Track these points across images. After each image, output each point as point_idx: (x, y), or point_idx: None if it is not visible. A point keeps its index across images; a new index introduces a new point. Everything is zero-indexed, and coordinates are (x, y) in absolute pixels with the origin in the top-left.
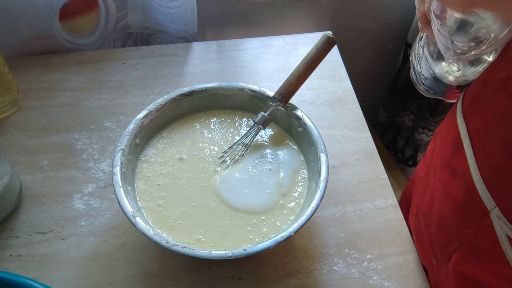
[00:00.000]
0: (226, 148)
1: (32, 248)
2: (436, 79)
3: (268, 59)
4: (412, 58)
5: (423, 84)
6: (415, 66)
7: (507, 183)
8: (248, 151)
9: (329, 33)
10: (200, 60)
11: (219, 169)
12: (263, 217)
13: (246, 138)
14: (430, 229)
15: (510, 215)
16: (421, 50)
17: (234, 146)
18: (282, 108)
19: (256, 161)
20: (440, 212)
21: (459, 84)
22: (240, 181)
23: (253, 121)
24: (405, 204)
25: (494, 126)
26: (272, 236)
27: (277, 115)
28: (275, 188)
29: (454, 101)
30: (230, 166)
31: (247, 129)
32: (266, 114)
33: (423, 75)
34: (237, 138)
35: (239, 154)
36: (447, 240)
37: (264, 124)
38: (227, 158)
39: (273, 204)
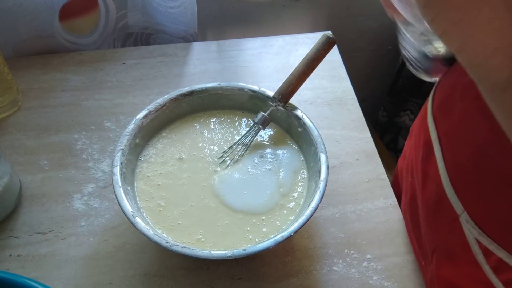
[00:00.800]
0: (226, 148)
1: (32, 248)
2: (421, 53)
3: (268, 59)
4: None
5: (411, 60)
6: (402, 40)
7: (473, 188)
8: (248, 151)
9: (329, 33)
10: (200, 60)
11: (218, 169)
12: (263, 217)
13: (245, 138)
14: (415, 229)
15: (478, 219)
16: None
17: (234, 146)
18: (282, 108)
19: (256, 161)
20: (420, 214)
21: (443, 56)
22: (239, 182)
23: (253, 121)
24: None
25: (461, 130)
26: (272, 236)
27: (277, 115)
28: (275, 189)
29: (437, 78)
30: (229, 166)
31: (247, 129)
32: (266, 114)
33: (408, 50)
34: (237, 138)
35: (239, 154)
36: (426, 242)
37: (264, 124)
38: (226, 158)
39: (273, 205)
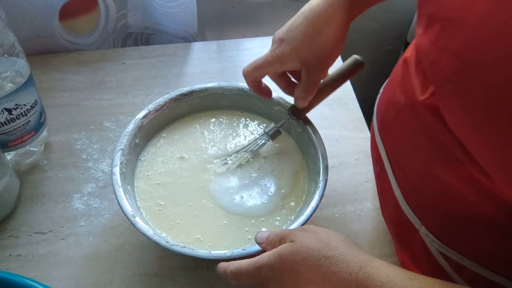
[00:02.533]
0: (230, 151)
1: (32, 248)
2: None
3: None
4: None
5: None
6: None
7: (426, 204)
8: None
9: (357, 56)
10: (199, 60)
11: (218, 170)
12: (262, 218)
13: (253, 146)
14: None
15: (437, 233)
16: None
17: (240, 153)
18: (295, 122)
19: (255, 163)
20: (387, 222)
21: None
22: (237, 185)
23: (264, 131)
24: None
25: (404, 150)
26: None
27: (277, 115)
28: (274, 191)
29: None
30: (229, 169)
31: (255, 135)
32: (277, 127)
33: None
34: (238, 139)
35: (244, 160)
36: (396, 248)
37: (274, 136)
38: (229, 162)
39: (273, 207)
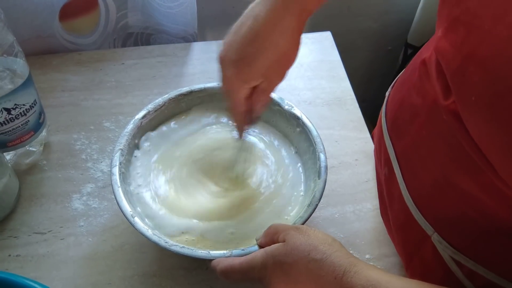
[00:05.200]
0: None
1: (31, 248)
2: None
3: None
4: None
5: None
6: None
7: (440, 211)
8: (249, 161)
9: None
10: (199, 60)
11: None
12: None
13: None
14: (391, 234)
15: (450, 240)
16: None
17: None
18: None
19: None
20: (391, 225)
21: None
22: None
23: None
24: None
25: (417, 154)
26: None
27: (276, 115)
28: (276, 209)
29: None
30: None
31: (250, 132)
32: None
33: None
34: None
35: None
36: (399, 251)
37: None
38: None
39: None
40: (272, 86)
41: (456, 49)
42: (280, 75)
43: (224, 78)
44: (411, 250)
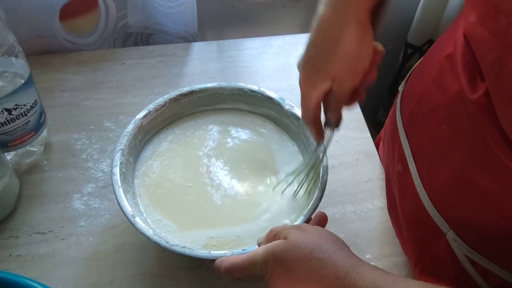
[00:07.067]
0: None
1: (32, 248)
2: None
3: (268, 59)
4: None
5: None
6: None
7: (457, 209)
8: (250, 160)
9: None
10: (199, 60)
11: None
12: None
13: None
14: (400, 233)
15: (467, 238)
16: None
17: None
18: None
19: (252, 163)
20: (401, 223)
21: None
22: (237, 187)
23: (318, 153)
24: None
25: (435, 150)
26: None
27: (276, 115)
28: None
29: None
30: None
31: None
32: (325, 147)
33: None
34: (237, 139)
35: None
36: (409, 249)
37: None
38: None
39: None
40: (344, 88)
41: (497, 38)
42: (350, 76)
43: (299, 84)
44: (422, 248)
